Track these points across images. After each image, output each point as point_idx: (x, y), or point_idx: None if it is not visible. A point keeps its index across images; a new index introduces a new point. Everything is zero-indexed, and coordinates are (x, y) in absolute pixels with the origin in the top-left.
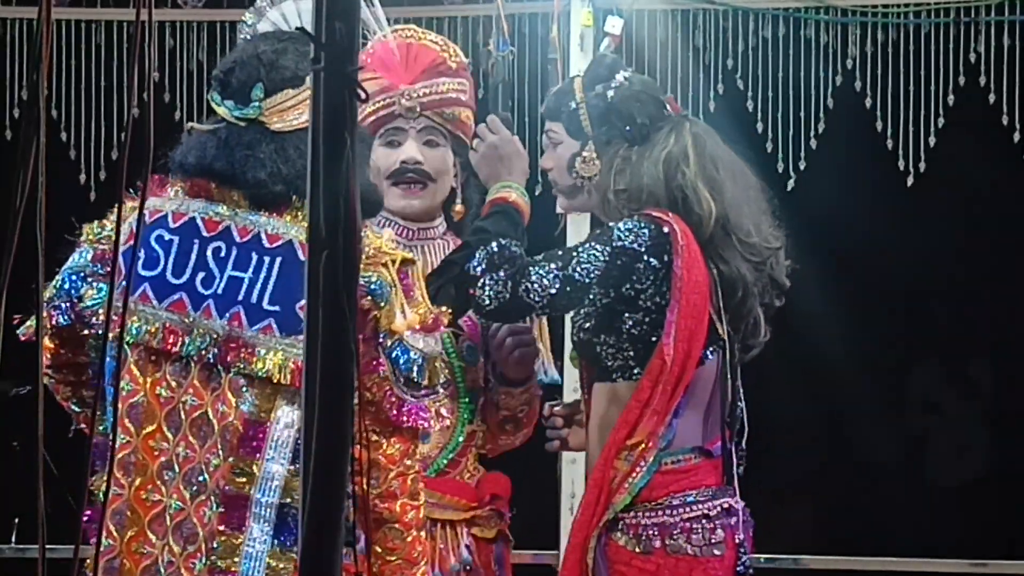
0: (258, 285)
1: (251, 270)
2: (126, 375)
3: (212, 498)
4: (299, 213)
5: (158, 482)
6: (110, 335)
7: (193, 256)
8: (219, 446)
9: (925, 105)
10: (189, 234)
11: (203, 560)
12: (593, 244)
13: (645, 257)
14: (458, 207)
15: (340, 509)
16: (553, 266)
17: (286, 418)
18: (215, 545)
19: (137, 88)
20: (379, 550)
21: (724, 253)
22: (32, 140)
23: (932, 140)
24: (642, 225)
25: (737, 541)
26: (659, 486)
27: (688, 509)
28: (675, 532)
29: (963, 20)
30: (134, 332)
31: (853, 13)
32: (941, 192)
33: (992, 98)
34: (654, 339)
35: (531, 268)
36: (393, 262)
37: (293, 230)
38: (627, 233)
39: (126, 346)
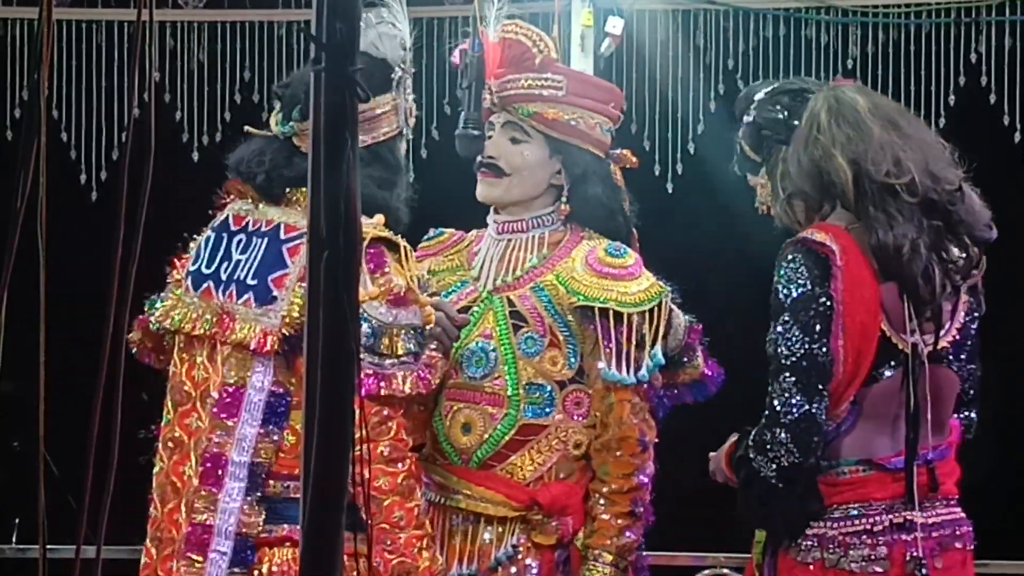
0: (248, 264)
1: (249, 252)
2: (174, 359)
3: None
4: (293, 202)
5: (193, 456)
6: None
7: (222, 249)
8: (212, 412)
9: (925, 105)
10: (222, 230)
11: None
12: (776, 327)
13: (815, 292)
14: (563, 207)
15: (341, 507)
16: (778, 390)
17: (258, 383)
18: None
19: (138, 88)
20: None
21: (889, 209)
22: (33, 140)
23: None
24: (799, 262)
25: (909, 558)
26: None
27: (850, 523)
28: (833, 546)
29: (964, 20)
30: (176, 320)
31: (853, 13)
32: None
33: (993, 98)
34: (833, 366)
35: (769, 421)
36: (362, 238)
37: (282, 215)
38: (789, 284)
39: (173, 334)
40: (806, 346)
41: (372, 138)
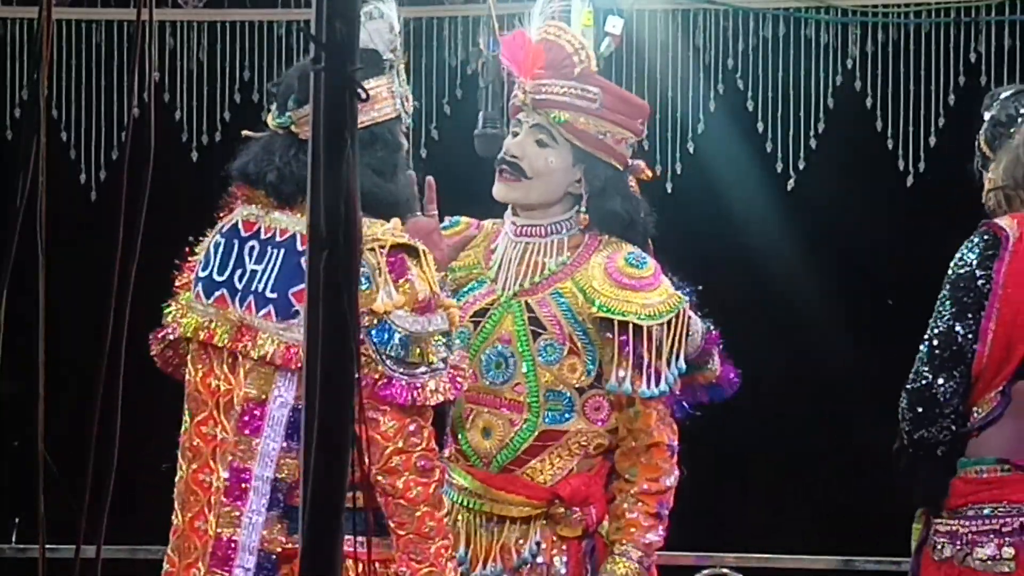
0: (265, 275)
1: (264, 262)
2: (188, 367)
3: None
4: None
5: (213, 464)
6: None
7: (233, 255)
8: (236, 426)
9: (925, 105)
10: (232, 236)
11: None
12: (939, 300)
13: (976, 273)
14: (581, 216)
15: (341, 507)
16: (916, 358)
17: (281, 398)
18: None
19: (137, 88)
20: (392, 525)
21: None
22: (32, 140)
23: (932, 140)
24: (974, 242)
25: None
26: (959, 495)
27: (981, 522)
28: (961, 543)
29: (963, 20)
30: (189, 328)
31: (853, 13)
32: (941, 192)
33: None
34: (976, 346)
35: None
36: (382, 247)
37: (296, 225)
38: (958, 261)
39: (187, 341)
40: (949, 323)
41: (371, 119)
